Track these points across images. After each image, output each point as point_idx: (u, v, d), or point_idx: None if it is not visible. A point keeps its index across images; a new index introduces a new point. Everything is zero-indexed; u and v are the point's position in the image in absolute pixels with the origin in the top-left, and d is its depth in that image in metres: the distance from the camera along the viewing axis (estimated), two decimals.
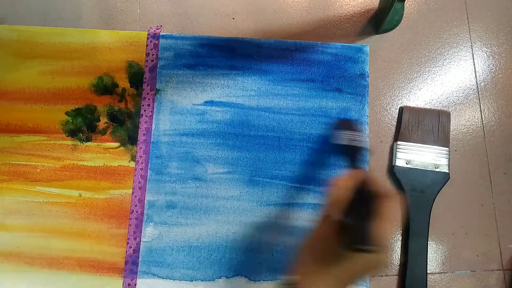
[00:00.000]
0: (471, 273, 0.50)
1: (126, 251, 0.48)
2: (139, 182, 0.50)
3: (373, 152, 0.52)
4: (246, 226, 0.49)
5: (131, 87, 0.53)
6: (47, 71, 0.53)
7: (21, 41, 0.54)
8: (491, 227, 0.51)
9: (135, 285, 0.47)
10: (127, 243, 0.49)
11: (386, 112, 0.54)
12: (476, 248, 0.50)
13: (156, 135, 0.51)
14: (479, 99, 0.55)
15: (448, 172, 0.51)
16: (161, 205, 0.50)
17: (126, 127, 0.52)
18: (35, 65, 0.53)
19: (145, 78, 0.53)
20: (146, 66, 0.53)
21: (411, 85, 0.55)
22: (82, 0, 0.56)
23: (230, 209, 0.50)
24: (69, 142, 0.51)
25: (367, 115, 0.53)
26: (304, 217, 0.49)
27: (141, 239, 0.49)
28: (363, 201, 0.35)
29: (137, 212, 0.49)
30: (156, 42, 0.54)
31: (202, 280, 0.48)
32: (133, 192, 0.50)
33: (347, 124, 0.50)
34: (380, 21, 0.55)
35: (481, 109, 0.54)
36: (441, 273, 0.49)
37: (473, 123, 0.54)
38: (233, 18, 0.56)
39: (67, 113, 0.52)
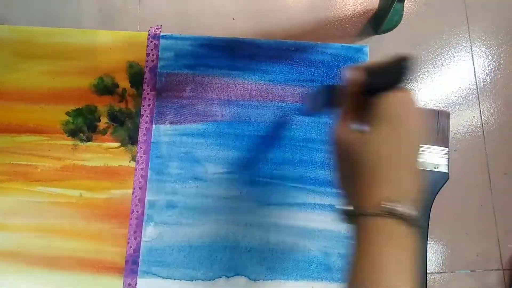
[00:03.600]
0: (471, 272, 0.50)
1: (127, 251, 0.48)
2: (140, 182, 0.50)
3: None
4: (246, 226, 0.49)
5: (131, 87, 0.53)
6: (47, 71, 0.53)
7: (21, 41, 0.54)
8: (491, 227, 0.51)
9: (136, 284, 0.47)
10: (128, 242, 0.49)
11: None
12: (475, 248, 0.50)
13: (156, 135, 0.52)
14: (478, 99, 0.55)
15: (447, 172, 0.51)
16: (161, 205, 0.50)
17: (127, 127, 0.52)
18: (35, 65, 0.53)
19: (146, 79, 0.53)
20: (147, 67, 0.53)
21: (411, 85, 0.55)
22: (82, 0, 0.56)
23: (230, 209, 0.50)
24: (70, 142, 0.51)
25: None
26: (304, 217, 0.50)
27: (142, 239, 0.49)
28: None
29: (137, 212, 0.49)
30: (157, 42, 0.54)
31: (202, 280, 0.48)
32: (133, 192, 0.50)
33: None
34: (379, 21, 0.55)
35: (481, 109, 0.54)
36: (441, 273, 0.50)
37: (473, 123, 0.54)
38: (233, 18, 0.56)
39: (67, 113, 0.52)
